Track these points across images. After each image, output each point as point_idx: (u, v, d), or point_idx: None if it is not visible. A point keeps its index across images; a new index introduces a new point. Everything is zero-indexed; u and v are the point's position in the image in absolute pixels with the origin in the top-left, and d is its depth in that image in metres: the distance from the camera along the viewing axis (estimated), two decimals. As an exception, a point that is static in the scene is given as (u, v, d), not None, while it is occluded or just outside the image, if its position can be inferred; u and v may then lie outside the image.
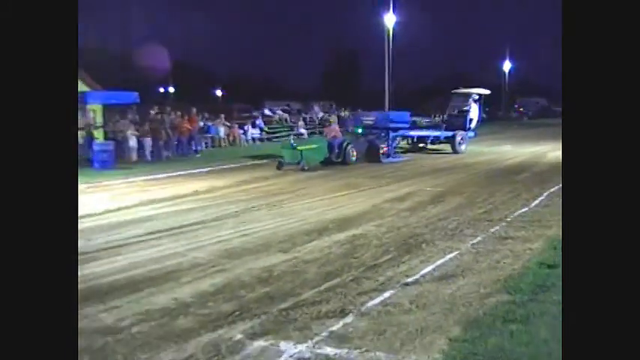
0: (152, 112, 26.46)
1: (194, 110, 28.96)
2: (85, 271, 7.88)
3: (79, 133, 26.45)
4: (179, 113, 28.14)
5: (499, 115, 76.53)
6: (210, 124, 31.66)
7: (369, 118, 26.03)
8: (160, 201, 14.18)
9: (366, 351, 5.10)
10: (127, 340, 5.47)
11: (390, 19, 42.82)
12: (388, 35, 42.86)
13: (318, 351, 5.13)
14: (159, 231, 10.53)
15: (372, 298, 6.54)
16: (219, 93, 75.97)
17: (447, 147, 28.49)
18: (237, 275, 7.52)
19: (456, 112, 31.28)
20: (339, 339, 5.39)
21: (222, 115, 33.58)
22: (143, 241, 9.80)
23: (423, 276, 7.41)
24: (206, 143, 29.92)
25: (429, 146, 29.31)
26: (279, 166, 20.61)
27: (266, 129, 37.63)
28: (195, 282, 7.29)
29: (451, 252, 8.58)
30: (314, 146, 21.92)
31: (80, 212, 12.34)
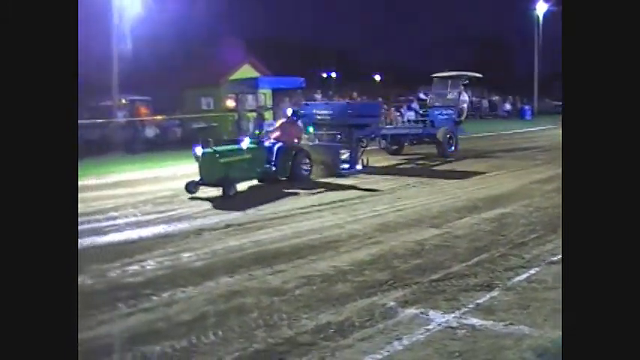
0: (317, 95, 26.87)
1: (355, 94, 29.19)
2: (254, 237, 8.21)
3: (252, 114, 27.40)
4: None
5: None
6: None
7: (323, 112, 16.48)
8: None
9: (511, 324, 5.00)
10: (290, 300, 5.63)
11: (541, 8, 41.28)
12: (538, 23, 41.37)
13: (465, 321, 5.09)
14: (321, 204, 10.75)
15: (517, 274, 6.38)
16: (377, 78, 76.07)
17: (431, 148, 20.48)
18: (391, 247, 7.55)
19: (440, 101, 22.05)
20: (485, 311, 5.32)
21: (380, 99, 33.62)
22: (307, 212, 10.04)
23: (568, 255, 7.14)
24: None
25: (415, 147, 21.49)
26: (190, 188, 11.96)
27: (421, 112, 37.32)
28: (353, 252, 7.39)
29: (597, 233, 8.21)
30: (246, 157, 12.70)
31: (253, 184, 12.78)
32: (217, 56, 32.96)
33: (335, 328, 4.93)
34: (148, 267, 6.93)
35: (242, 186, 12.38)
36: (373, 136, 17.64)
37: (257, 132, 13.89)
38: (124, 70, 24.83)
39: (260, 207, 10.49)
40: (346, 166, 15.21)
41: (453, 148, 19.91)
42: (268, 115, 27.48)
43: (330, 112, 16.31)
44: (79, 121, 24.06)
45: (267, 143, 13.74)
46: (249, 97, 28.03)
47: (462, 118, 21.79)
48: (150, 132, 25.07)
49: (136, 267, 6.93)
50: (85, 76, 26.80)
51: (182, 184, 12.10)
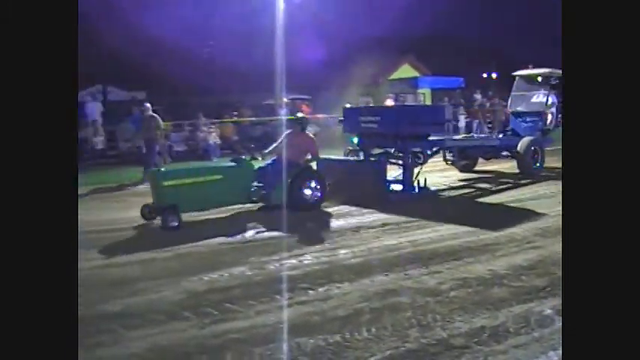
0: (476, 96, 26.49)
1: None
2: (411, 237, 8.24)
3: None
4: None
5: None
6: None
7: (369, 119, 12.84)
8: (469, 179, 14.20)
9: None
10: (445, 302, 5.60)
11: None
12: None
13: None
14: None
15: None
16: (539, 79, 73.47)
17: (506, 164, 16.23)
18: (550, 253, 7.29)
19: (523, 105, 17.31)
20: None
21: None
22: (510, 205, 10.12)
23: None
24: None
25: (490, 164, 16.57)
26: (145, 213, 9.78)
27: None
28: (510, 256, 7.22)
29: None
30: (212, 178, 9.95)
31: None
32: (377, 55, 33.22)
33: (489, 332, 4.86)
34: (305, 261, 7.13)
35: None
36: (435, 149, 13.16)
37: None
38: (287, 69, 25.52)
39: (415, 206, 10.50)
40: (398, 188, 11.99)
41: (538, 164, 15.34)
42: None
43: (378, 118, 12.72)
44: (242, 119, 25.11)
45: (261, 162, 10.98)
46: (409, 96, 28.17)
47: (551, 126, 16.96)
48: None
49: (293, 261, 7.15)
50: (252, 76, 27.51)
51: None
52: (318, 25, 30.61)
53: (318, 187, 10.75)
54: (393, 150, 12.46)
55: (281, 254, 7.40)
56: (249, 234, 8.68)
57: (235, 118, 25.25)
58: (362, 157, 12.77)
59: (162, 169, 9.95)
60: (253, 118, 25.83)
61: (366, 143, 12.90)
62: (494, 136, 16.83)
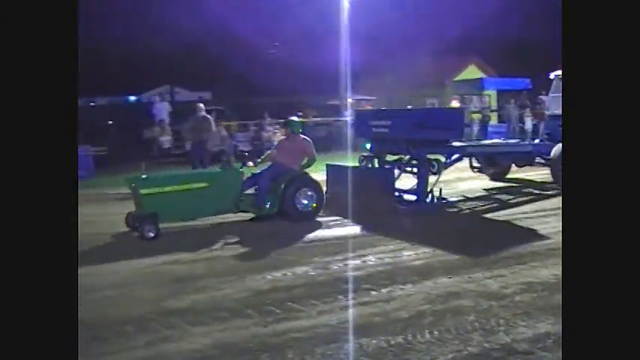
0: (543, 97, 26.03)
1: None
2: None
3: (477, 115, 27.14)
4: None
5: None
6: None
7: (380, 123, 11.65)
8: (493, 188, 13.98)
9: None
10: (509, 306, 5.52)
11: None
12: None
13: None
14: (543, 209, 10.59)
15: None
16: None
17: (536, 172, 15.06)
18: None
19: (560, 108, 12.82)
20: None
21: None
22: (530, 217, 9.91)
23: None
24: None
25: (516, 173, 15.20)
26: (129, 221, 9.24)
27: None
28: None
29: None
30: (196, 186, 9.39)
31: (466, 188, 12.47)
32: (443, 56, 33.02)
33: (554, 339, 4.77)
34: (369, 262, 7.13)
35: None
36: (456, 156, 11.79)
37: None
38: (352, 69, 25.56)
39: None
40: (411, 198, 11.01)
41: None
42: (493, 117, 27.22)
43: (389, 122, 11.46)
44: (307, 119, 25.25)
45: (255, 169, 10.33)
46: (474, 98, 27.87)
47: None
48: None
49: (357, 261, 7.16)
50: (318, 76, 27.61)
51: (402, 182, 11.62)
52: (384, 25, 30.55)
53: (314, 195, 10.00)
54: (408, 157, 11.43)
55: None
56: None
57: (300, 119, 25.38)
58: (376, 165, 11.78)
59: (143, 176, 9.39)
60: (318, 119, 25.95)
61: (379, 149, 11.87)
62: (525, 142, 15.58)
